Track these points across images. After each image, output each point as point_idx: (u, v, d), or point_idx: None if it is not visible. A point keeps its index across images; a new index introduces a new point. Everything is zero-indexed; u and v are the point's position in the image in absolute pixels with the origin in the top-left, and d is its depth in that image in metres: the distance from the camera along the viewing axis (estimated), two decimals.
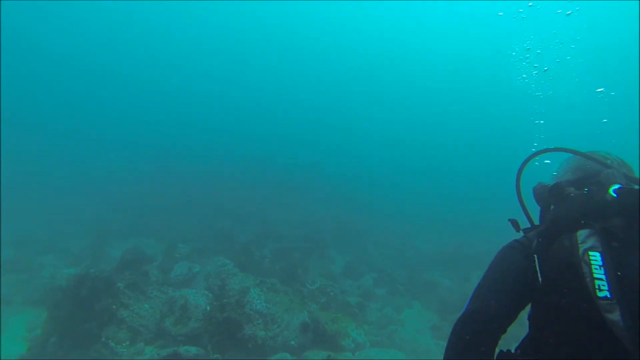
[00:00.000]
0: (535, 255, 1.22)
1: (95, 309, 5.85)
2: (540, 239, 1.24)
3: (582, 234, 1.07)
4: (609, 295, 0.93)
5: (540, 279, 1.16)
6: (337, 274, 11.10)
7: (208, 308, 6.30)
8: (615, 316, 0.91)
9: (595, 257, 0.99)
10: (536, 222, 1.48)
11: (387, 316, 8.95)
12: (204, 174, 29.78)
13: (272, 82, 51.70)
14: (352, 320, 7.41)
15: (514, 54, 9.04)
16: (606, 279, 0.95)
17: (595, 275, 0.96)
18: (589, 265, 0.99)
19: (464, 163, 53.42)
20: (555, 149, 1.51)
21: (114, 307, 6.08)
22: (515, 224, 1.46)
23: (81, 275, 5.87)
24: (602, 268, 0.97)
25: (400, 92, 50.43)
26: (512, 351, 1.19)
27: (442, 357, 1.16)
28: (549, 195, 1.37)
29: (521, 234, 1.42)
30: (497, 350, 1.19)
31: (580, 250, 1.03)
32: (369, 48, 45.32)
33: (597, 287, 0.95)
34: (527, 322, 1.23)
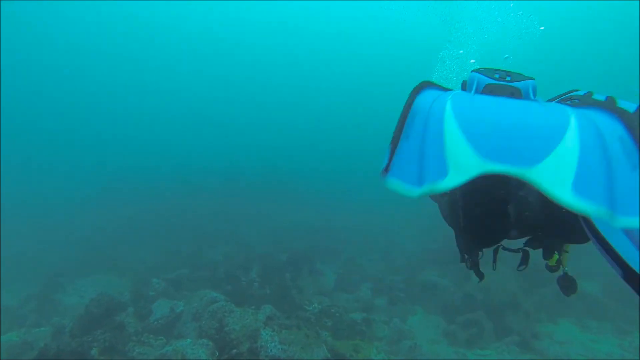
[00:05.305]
0: None
1: None
2: None
3: None
4: None
5: None
6: (331, 288, 10.24)
7: None
8: None
9: None
10: None
11: (396, 328, 8.29)
12: (152, 188, 27.07)
13: (236, 86, 46.94)
14: (371, 345, 6.61)
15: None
16: None
17: None
18: None
19: None
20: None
21: None
22: None
23: (40, 353, 4.43)
24: None
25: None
26: None
27: None
28: None
29: None
30: None
31: None
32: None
33: None
34: None
